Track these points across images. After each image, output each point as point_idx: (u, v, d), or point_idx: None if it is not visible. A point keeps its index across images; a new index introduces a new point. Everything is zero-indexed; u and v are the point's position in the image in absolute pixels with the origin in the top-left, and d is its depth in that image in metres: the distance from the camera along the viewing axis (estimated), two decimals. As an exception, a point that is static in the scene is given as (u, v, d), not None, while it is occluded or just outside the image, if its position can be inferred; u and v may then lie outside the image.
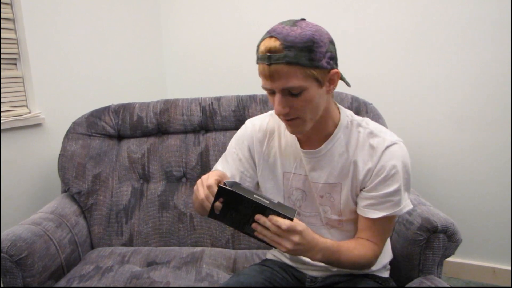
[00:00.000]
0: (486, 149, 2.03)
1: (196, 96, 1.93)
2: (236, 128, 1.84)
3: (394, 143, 1.04)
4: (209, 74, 2.58)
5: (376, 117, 1.72)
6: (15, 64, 1.81)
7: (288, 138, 1.16)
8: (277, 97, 0.96)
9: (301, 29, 0.92)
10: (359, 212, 1.09)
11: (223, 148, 1.81)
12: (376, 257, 1.08)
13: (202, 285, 1.40)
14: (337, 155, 1.08)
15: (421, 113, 2.12)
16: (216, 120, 1.86)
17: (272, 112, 1.24)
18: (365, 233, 1.08)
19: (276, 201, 0.93)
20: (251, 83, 2.43)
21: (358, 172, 1.07)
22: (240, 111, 1.85)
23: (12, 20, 1.77)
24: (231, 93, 1.95)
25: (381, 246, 1.09)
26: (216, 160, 1.79)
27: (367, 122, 1.10)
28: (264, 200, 0.90)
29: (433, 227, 1.26)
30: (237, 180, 1.20)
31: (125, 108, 1.91)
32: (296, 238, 0.90)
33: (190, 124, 1.87)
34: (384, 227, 1.08)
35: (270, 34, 0.93)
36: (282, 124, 1.17)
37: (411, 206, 1.08)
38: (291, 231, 0.89)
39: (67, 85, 2.01)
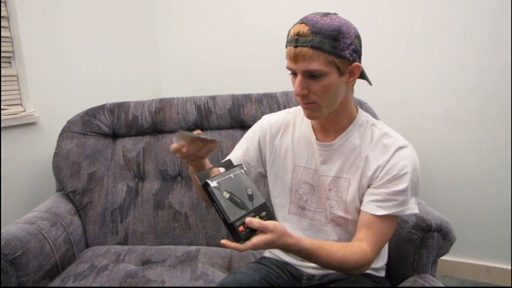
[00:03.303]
0: (482, 149, 2.04)
1: (191, 95, 1.93)
2: (231, 127, 1.86)
3: (407, 146, 1.09)
4: (205, 73, 2.58)
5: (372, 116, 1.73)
6: (10, 62, 1.80)
7: (302, 131, 1.20)
8: (298, 78, 1.02)
9: (331, 20, 0.99)
10: (362, 208, 1.09)
11: (218, 147, 1.81)
12: (365, 262, 1.03)
13: (198, 284, 1.40)
14: (349, 150, 1.12)
15: (417, 113, 2.13)
16: (211, 119, 1.86)
17: (290, 109, 1.29)
18: (362, 232, 1.06)
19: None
20: (247, 82, 2.45)
21: (368, 168, 1.09)
22: (235, 110, 1.85)
23: (7, 18, 1.76)
24: (226, 92, 1.95)
25: (374, 250, 1.04)
26: (211, 159, 1.81)
27: (382, 125, 1.15)
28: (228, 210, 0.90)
29: (428, 226, 1.27)
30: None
31: (120, 107, 1.90)
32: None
33: (185, 123, 1.87)
34: (383, 228, 1.06)
35: (302, 21, 1.01)
36: (298, 118, 1.24)
37: (416, 211, 1.08)
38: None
39: (62, 83, 2.00)
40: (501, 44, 1.92)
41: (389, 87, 2.16)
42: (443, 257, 1.53)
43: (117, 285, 1.39)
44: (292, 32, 1.01)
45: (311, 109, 1.06)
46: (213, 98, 1.89)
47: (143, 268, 1.50)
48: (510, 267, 2.06)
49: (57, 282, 1.43)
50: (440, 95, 2.07)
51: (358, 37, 1.03)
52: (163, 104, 1.89)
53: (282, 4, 2.30)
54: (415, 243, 1.29)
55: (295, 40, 0.98)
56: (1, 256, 1.30)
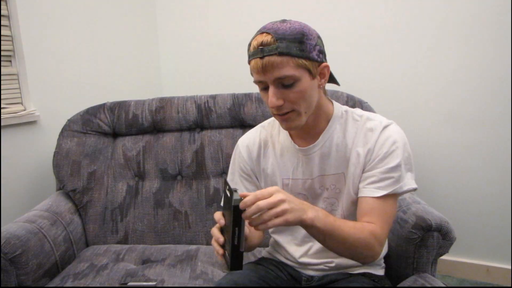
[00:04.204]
0: (482, 149, 2.03)
1: (192, 94, 1.92)
2: (232, 126, 1.86)
3: (391, 123, 1.08)
4: (205, 72, 2.58)
5: (372, 116, 1.73)
6: (10, 61, 1.80)
7: (282, 143, 1.18)
8: (271, 89, 0.98)
9: (291, 24, 0.97)
10: (360, 194, 1.07)
11: (218, 146, 1.81)
12: (378, 241, 1.00)
13: (197, 283, 1.40)
14: (335, 145, 1.10)
15: (417, 113, 2.12)
16: (212, 118, 1.86)
17: (263, 124, 1.26)
18: (366, 217, 1.04)
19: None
20: (247, 81, 2.44)
21: (359, 157, 1.07)
22: (236, 109, 1.84)
23: (7, 17, 1.76)
24: (227, 91, 1.95)
25: (384, 228, 1.02)
26: (212, 158, 1.81)
27: (360, 111, 1.14)
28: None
29: (428, 225, 1.26)
30: None
31: (121, 106, 1.90)
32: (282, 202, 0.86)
33: (185, 122, 1.86)
34: (385, 208, 1.04)
35: (261, 31, 0.98)
36: (274, 131, 1.20)
37: (414, 186, 1.05)
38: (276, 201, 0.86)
39: (62, 82, 2.00)
40: (502, 45, 1.92)
41: (389, 87, 2.15)
42: (443, 257, 1.52)
43: (117, 285, 1.39)
44: (254, 44, 0.97)
45: (290, 119, 1.02)
46: (214, 97, 1.89)
47: (142, 267, 1.50)
48: (510, 267, 2.06)
49: (56, 281, 1.43)
50: (440, 95, 2.06)
51: (319, 37, 1.02)
52: (163, 103, 1.89)
53: (283, 3, 2.29)
54: (415, 243, 1.29)
55: (260, 51, 0.95)
56: (1, 254, 1.30)
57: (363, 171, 1.08)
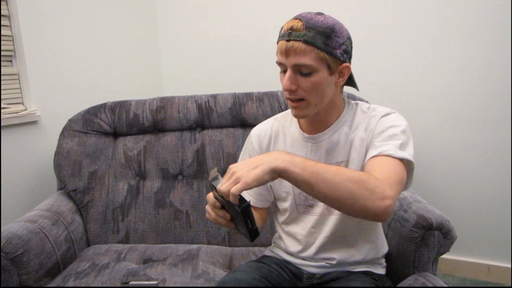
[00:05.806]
0: (483, 149, 2.04)
1: (192, 94, 1.93)
2: (233, 125, 1.86)
3: (393, 112, 1.11)
4: (206, 71, 2.58)
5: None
6: (11, 61, 1.80)
7: (293, 134, 1.20)
8: (288, 73, 1.02)
9: (324, 18, 1.01)
10: (365, 162, 1.04)
11: (219, 145, 1.81)
12: (380, 190, 0.89)
13: (198, 282, 1.40)
14: (344, 134, 1.13)
15: (418, 112, 2.12)
16: (212, 118, 1.86)
17: (276, 116, 1.29)
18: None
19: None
20: (248, 80, 2.45)
21: (363, 143, 1.10)
22: (236, 109, 1.85)
23: (8, 17, 1.76)
24: (227, 90, 1.95)
25: (387, 181, 0.92)
26: (212, 158, 1.81)
27: (368, 104, 1.18)
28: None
29: (428, 224, 1.27)
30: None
31: (121, 106, 1.90)
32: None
33: (186, 121, 1.87)
34: (388, 166, 0.97)
35: (296, 17, 1.02)
36: (286, 123, 1.24)
37: (411, 158, 1.00)
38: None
39: (63, 82, 2.00)
40: (502, 44, 1.92)
41: (390, 87, 2.16)
42: (444, 256, 1.53)
43: (119, 284, 1.39)
44: (285, 27, 1.02)
45: (300, 107, 1.06)
46: (214, 96, 1.89)
47: (144, 267, 1.50)
48: (510, 266, 2.06)
49: (58, 280, 1.43)
50: (440, 95, 2.07)
51: (349, 38, 1.05)
52: (164, 103, 1.89)
53: (283, 3, 2.30)
54: (416, 242, 1.29)
55: (288, 34, 0.99)
56: (2, 254, 1.30)
57: (365, 153, 1.09)
